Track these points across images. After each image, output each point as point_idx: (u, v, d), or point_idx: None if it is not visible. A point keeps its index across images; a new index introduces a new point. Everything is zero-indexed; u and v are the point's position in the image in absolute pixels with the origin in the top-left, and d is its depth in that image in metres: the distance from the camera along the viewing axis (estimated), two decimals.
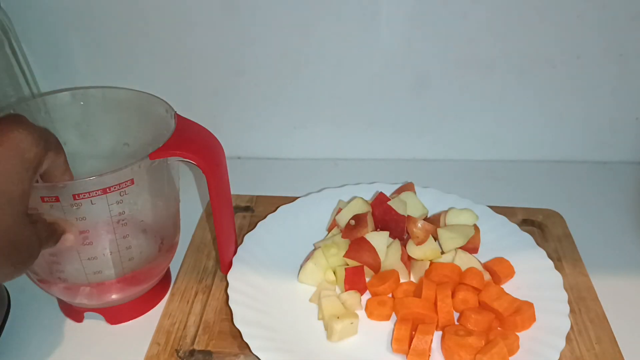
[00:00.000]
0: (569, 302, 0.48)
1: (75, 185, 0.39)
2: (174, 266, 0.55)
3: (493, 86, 0.66)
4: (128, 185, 0.42)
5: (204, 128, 0.47)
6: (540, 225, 0.59)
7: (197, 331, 0.48)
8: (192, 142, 0.44)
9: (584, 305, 0.50)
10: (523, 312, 0.47)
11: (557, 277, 0.50)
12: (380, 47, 0.64)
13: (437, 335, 0.47)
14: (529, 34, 0.62)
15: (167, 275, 0.54)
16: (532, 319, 0.47)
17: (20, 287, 0.52)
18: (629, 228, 0.60)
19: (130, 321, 0.50)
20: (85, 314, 0.50)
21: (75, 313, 0.50)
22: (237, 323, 0.46)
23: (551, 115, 0.68)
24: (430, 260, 0.52)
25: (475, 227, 0.55)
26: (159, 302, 0.52)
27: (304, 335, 0.47)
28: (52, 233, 0.40)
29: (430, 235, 0.53)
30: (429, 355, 0.45)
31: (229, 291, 0.49)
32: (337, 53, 0.65)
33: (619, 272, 0.54)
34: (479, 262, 0.52)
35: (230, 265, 0.52)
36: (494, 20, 0.62)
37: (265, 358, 0.43)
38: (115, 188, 0.41)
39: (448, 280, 0.50)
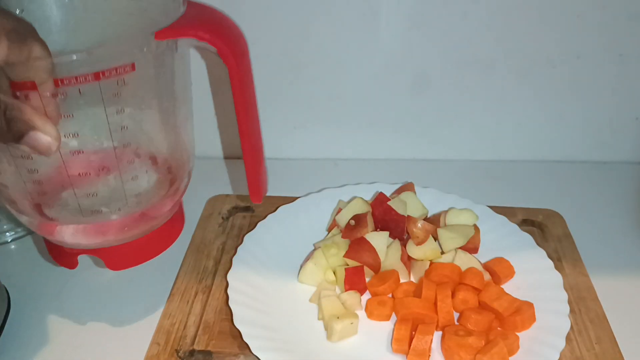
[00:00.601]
0: (569, 302, 0.48)
1: (57, 64, 0.31)
2: (174, 264, 0.55)
3: (493, 86, 0.66)
4: (127, 72, 0.33)
5: (223, 14, 0.39)
6: (540, 226, 0.59)
7: (197, 331, 0.48)
8: (209, 22, 0.35)
9: (584, 305, 0.50)
10: (523, 312, 0.47)
11: (557, 277, 0.50)
12: (380, 47, 0.64)
13: (437, 335, 0.47)
14: (529, 34, 0.62)
15: (179, 212, 0.46)
16: (532, 319, 0.47)
17: (20, 287, 0.52)
18: (629, 228, 0.60)
19: (131, 268, 0.45)
20: (80, 257, 0.43)
21: (67, 256, 0.42)
22: (237, 323, 0.46)
23: (551, 115, 0.68)
24: (430, 261, 0.52)
25: (475, 227, 0.55)
26: (170, 245, 0.45)
27: (304, 335, 0.47)
28: (13, 125, 0.30)
29: (430, 235, 0.53)
30: (429, 355, 0.45)
31: (228, 291, 0.49)
32: (337, 53, 0.65)
33: (619, 272, 0.54)
34: (479, 262, 0.52)
35: (260, 190, 0.43)
36: (494, 20, 0.62)
37: (265, 358, 0.43)
38: (111, 73, 0.32)
39: (448, 280, 0.50)
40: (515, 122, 0.69)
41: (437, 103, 0.68)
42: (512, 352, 0.44)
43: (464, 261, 0.51)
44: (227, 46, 0.34)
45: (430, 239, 0.53)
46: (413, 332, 0.46)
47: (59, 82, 0.31)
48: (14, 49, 0.29)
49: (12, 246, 0.59)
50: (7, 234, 0.59)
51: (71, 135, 0.34)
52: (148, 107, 0.36)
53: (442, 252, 0.53)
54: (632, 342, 0.47)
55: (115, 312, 0.51)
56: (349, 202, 0.57)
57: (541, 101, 0.67)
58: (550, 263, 0.52)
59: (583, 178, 0.69)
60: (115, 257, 0.42)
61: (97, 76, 0.31)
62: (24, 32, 0.30)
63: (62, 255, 0.42)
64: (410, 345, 0.45)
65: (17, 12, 0.39)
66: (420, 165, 0.71)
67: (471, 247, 0.54)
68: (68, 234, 0.39)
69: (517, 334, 0.46)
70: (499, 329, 0.47)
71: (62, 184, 0.36)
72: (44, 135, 0.30)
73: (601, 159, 0.71)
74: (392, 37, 0.63)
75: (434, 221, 0.55)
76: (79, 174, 0.35)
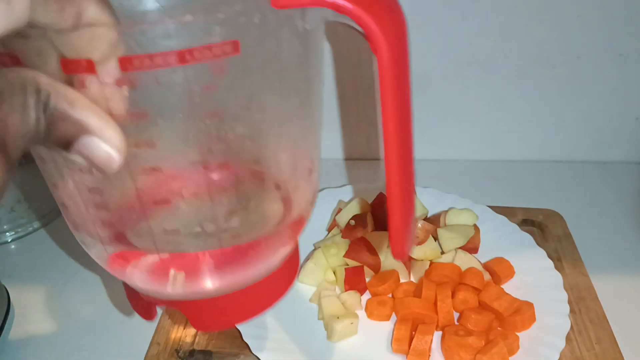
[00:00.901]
0: (569, 302, 0.48)
1: (127, 37, 0.21)
2: None
3: (493, 86, 0.66)
4: (227, 54, 0.22)
5: None
6: (540, 225, 0.59)
7: (197, 331, 0.48)
8: None
9: (584, 305, 0.50)
10: (523, 312, 0.47)
11: (557, 277, 0.50)
12: None
13: (437, 335, 0.47)
14: (529, 34, 0.62)
15: (293, 257, 0.33)
16: (532, 319, 0.47)
17: (20, 287, 0.52)
18: (628, 228, 0.60)
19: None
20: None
21: (143, 304, 0.32)
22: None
23: (551, 115, 0.68)
24: (430, 261, 0.52)
25: (475, 227, 0.55)
26: (277, 299, 0.33)
27: (304, 335, 0.47)
28: (55, 127, 0.19)
29: (430, 235, 0.53)
30: (429, 355, 0.45)
31: None
32: (337, 52, 0.64)
33: (619, 272, 0.54)
34: (479, 262, 0.52)
35: (406, 242, 0.28)
36: (493, 20, 0.61)
37: (265, 358, 0.43)
38: (202, 54, 0.21)
39: (448, 280, 0.50)
40: (515, 122, 0.69)
41: (436, 103, 0.68)
42: (512, 352, 0.44)
43: (464, 261, 0.51)
44: (381, 25, 0.23)
45: (430, 239, 0.53)
46: (413, 332, 0.46)
47: (128, 62, 0.21)
48: (48, 5, 0.19)
49: (12, 246, 0.59)
50: (7, 234, 0.59)
51: (145, 145, 0.23)
52: (258, 109, 0.25)
53: (442, 252, 0.53)
54: (632, 342, 0.47)
55: (115, 312, 0.51)
56: (349, 202, 0.57)
57: (541, 101, 0.67)
58: (550, 263, 0.52)
59: (583, 178, 0.69)
60: (204, 315, 0.30)
61: (182, 57, 0.20)
62: None
63: (137, 299, 0.32)
64: (410, 345, 0.45)
65: None
66: (420, 165, 0.70)
67: (471, 247, 0.54)
68: (140, 278, 0.29)
69: (517, 334, 0.46)
70: (499, 329, 0.47)
71: (134, 213, 0.26)
72: (102, 143, 0.20)
73: (601, 159, 0.71)
74: None
75: (434, 221, 0.55)
76: (156, 201, 0.25)
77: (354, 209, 0.55)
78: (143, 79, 0.22)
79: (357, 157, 0.73)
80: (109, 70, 0.21)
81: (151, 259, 0.27)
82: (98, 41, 0.21)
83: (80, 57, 0.20)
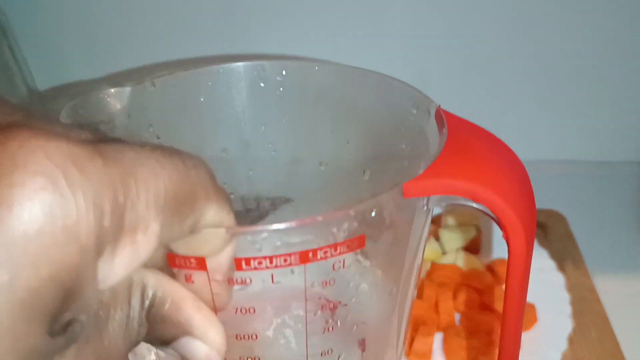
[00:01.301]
0: (571, 303, 0.48)
1: (247, 237, 0.19)
2: None
3: (494, 86, 0.66)
4: (352, 249, 0.20)
5: (501, 142, 0.26)
6: (542, 226, 0.59)
7: None
8: (488, 166, 0.23)
9: (586, 307, 0.49)
10: (525, 313, 0.46)
11: (559, 278, 0.50)
12: (381, 46, 0.63)
13: (438, 336, 0.47)
14: (531, 34, 0.62)
15: None
16: (534, 320, 0.47)
17: None
18: (631, 229, 0.60)
19: None
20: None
21: None
22: None
23: (554, 115, 0.68)
24: (432, 261, 0.52)
25: (477, 228, 0.54)
26: None
27: None
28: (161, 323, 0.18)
29: (432, 236, 0.53)
30: (430, 356, 0.44)
31: None
32: (338, 53, 0.64)
33: (622, 273, 0.54)
34: (481, 262, 0.52)
35: None
36: (495, 20, 0.61)
37: None
38: (327, 253, 0.19)
39: (449, 281, 0.49)
40: (517, 121, 0.69)
41: (437, 102, 0.68)
42: None
43: (466, 262, 0.51)
44: (519, 215, 0.22)
45: (432, 239, 0.52)
46: (414, 334, 0.45)
47: (245, 263, 0.19)
48: (171, 224, 0.16)
49: None
50: None
51: (247, 337, 0.22)
52: (368, 296, 0.23)
53: (444, 253, 0.53)
54: (634, 344, 0.46)
55: None
56: None
57: (543, 101, 0.67)
58: (552, 264, 0.51)
59: (585, 178, 0.68)
60: None
61: (304, 257, 0.18)
62: (190, 194, 0.17)
63: None
64: (411, 347, 0.45)
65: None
66: None
67: (473, 248, 0.53)
68: None
69: None
70: (500, 330, 0.47)
71: None
72: (202, 345, 0.18)
73: (604, 159, 0.71)
74: (393, 37, 0.63)
75: (436, 221, 0.55)
76: None
77: None
78: (257, 277, 0.20)
79: None
80: (221, 268, 0.20)
81: None
82: (210, 240, 0.19)
83: (189, 255, 0.19)
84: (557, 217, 0.60)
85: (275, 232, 0.18)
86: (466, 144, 0.24)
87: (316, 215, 0.18)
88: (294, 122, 0.27)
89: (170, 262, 0.19)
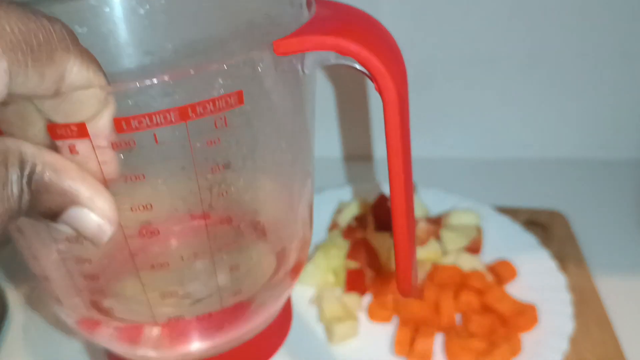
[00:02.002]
0: (573, 304, 0.47)
1: (123, 95, 0.19)
2: None
3: (496, 84, 0.66)
4: (231, 106, 0.20)
5: (369, 15, 0.27)
6: (543, 226, 0.59)
7: None
8: (355, 26, 0.24)
9: (587, 307, 0.49)
10: (526, 314, 0.46)
11: (560, 279, 0.50)
12: None
13: (439, 337, 0.47)
14: (533, 32, 0.62)
15: (286, 311, 0.32)
16: (535, 320, 0.46)
17: (19, 288, 0.52)
18: (633, 229, 0.59)
19: None
20: None
21: None
22: None
23: (555, 113, 0.68)
24: (432, 262, 0.52)
25: (478, 228, 0.54)
26: (273, 353, 0.33)
27: (304, 337, 0.47)
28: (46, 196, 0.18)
29: (432, 236, 0.52)
30: (431, 357, 0.44)
31: None
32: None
33: (623, 273, 0.54)
34: (482, 263, 0.52)
35: (410, 284, 0.30)
36: (496, 18, 0.61)
37: None
38: (205, 108, 0.20)
39: (450, 281, 0.49)
40: (518, 120, 0.69)
41: (439, 101, 0.68)
42: (514, 354, 0.44)
43: (467, 262, 0.51)
44: (387, 66, 0.23)
45: (432, 239, 0.52)
46: (415, 334, 0.45)
47: (125, 123, 0.19)
48: (29, 72, 0.17)
49: (10, 247, 0.59)
50: None
51: (142, 208, 0.22)
52: (260, 158, 0.24)
53: (444, 253, 0.53)
54: (636, 345, 0.46)
55: None
56: (349, 202, 0.57)
57: (545, 99, 0.67)
58: (554, 264, 0.51)
59: (587, 178, 0.68)
60: None
61: (184, 113, 0.19)
62: (44, 41, 0.17)
63: None
64: (412, 348, 0.44)
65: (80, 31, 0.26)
66: (422, 164, 0.70)
67: (474, 248, 0.53)
68: (130, 347, 0.27)
69: (520, 335, 0.46)
70: (501, 330, 0.47)
71: (128, 280, 0.25)
72: (92, 214, 0.19)
73: (606, 158, 0.71)
74: (394, 35, 0.63)
75: (436, 222, 0.55)
76: (153, 265, 0.23)
77: (354, 209, 0.55)
78: (141, 139, 0.20)
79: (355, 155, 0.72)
80: (102, 133, 0.20)
81: (148, 327, 0.25)
82: (86, 103, 0.19)
83: (69, 122, 0.19)
84: (558, 218, 0.60)
85: (150, 87, 0.18)
86: (336, 12, 0.25)
87: (189, 68, 0.19)
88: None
89: (52, 134, 0.19)
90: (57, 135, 0.19)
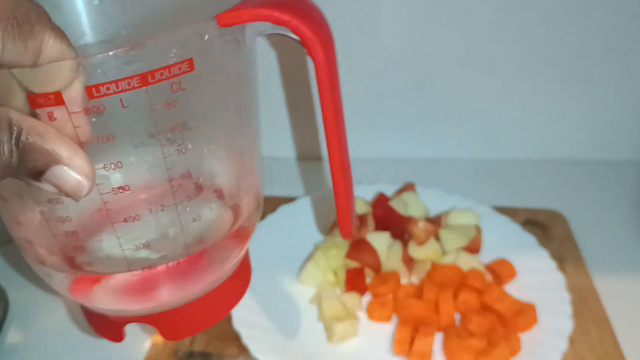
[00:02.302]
0: (571, 304, 0.48)
1: (92, 66, 0.22)
2: None
3: (495, 85, 0.66)
4: (184, 72, 0.24)
5: None
6: (542, 226, 0.59)
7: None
8: (286, 1, 0.27)
9: (586, 307, 0.49)
10: (525, 314, 0.46)
11: (559, 278, 0.50)
12: (381, 45, 0.63)
13: (438, 336, 0.47)
14: (532, 33, 0.62)
15: (245, 263, 0.36)
16: (534, 320, 0.47)
17: (19, 287, 0.52)
18: (632, 229, 0.60)
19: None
20: (128, 328, 0.34)
21: (112, 328, 0.33)
22: (236, 325, 0.46)
23: (554, 114, 0.68)
24: (432, 261, 0.52)
25: (477, 228, 0.54)
26: (236, 303, 0.35)
27: (304, 336, 0.47)
28: (31, 157, 0.21)
29: (432, 236, 0.53)
30: (431, 356, 0.44)
31: None
32: (338, 51, 0.64)
33: (622, 273, 0.54)
34: (481, 263, 0.52)
35: (350, 222, 0.34)
36: (495, 19, 0.61)
37: None
38: (162, 74, 0.23)
39: (449, 281, 0.49)
40: (517, 121, 0.69)
41: (438, 102, 0.68)
42: (514, 353, 0.44)
43: (466, 262, 0.51)
44: (314, 32, 0.26)
45: (432, 239, 0.52)
46: (414, 334, 0.45)
47: (95, 90, 0.22)
48: (15, 41, 0.20)
49: (11, 246, 0.59)
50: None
51: (113, 167, 0.25)
52: (212, 120, 0.27)
53: (444, 253, 0.53)
54: (635, 344, 0.46)
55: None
56: None
57: (544, 100, 0.67)
58: (553, 264, 0.51)
59: (585, 178, 0.68)
60: (173, 324, 0.32)
61: (144, 79, 0.23)
62: (26, 16, 0.20)
63: (102, 324, 0.34)
64: (411, 347, 0.45)
65: None
66: (421, 165, 0.71)
67: (473, 248, 0.53)
68: (109, 299, 0.30)
69: (519, 335, 0.46)
70: (501, 330, 0.47)
71: (105, 234, 0.27)
72: (71, 171, 0.22)
73: (604, 159, 0.71)
74: (393, 36, 0.63)
75: (436, 221, 0.55)
76: (125, 218, 0.26)
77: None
78: (109, 104, 0.23)
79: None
80: (76, 100, 0.23)
81: (121, 277, 0.29)
82: (60, 73, 0.22)
83: (45, 91, 0.22)
84: (557, 217, 0.60)
85: (114, 57, 0.22)
86: None
87: (146, 39, 0.23)
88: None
89: (32, 103, 0.22)
90: (37, 104, 0.22)
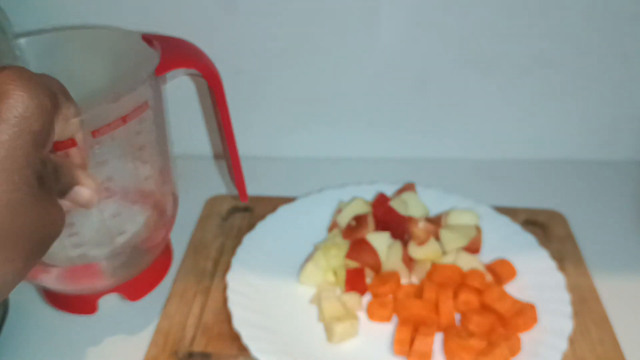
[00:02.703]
0: (572, 304, 0.48)
1: (95, 117, 0.33)
2: (173, 266, 0.54)
3: (495, 85, 0.66)
4: (144, 109, 0.36)
5: (189, 42, 0.44)
6: (542, 226, 0.59)
7: (195, 333, 0.48)
8: (193, 52, 0.41)
9: (586, 307, 0.49)
10: (525, 314, 0.46)
11: (559, 278, 0.50)
12: (381, 45, 0.63)
13: (438, 336, 0.47)
14: (531, 33, 0.62)
15: (167, 249, 0.51)
16: (534, 320, 0.47)
17: (19, 287, 0.52)
18: (631, 229, 0.60)
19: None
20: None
21: (86, 303, 0.45)
22: (236, 325, 0.46)
23: (554, 114, 0.68)
24: (432, 261, 0.52)
25: (477, 228, 0.54)
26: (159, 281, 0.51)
27: (304, 337, 0.47)
28: (60, 183, 0.30)
29: (432, 236, 0.52)
30: (431, 357, 0.44)
31: (228, 293, 0.49)
32: (338, 51, 0.64)
33: (622, 273, 0.54)
34: (481, 263, 0.52)
35: (245, 188, 0.51)
36: (495, 19, 0.61)
37: None
38: (135, 113, 0.36)
39: (449, 281, 0.49)
40: (517, 121, 0.69)
41: (437, 102, 0.68)
42: (514, 353, 0.44)
43: (466, 262, 0.51)
44: (213, 70, 0.41)
45: (432, 239, 0.52)
46: (414, 334, 0.45)
47: (97, 132, 0.34)
48: (63, 115, 0.29)
49: None
50: None
51: (105, 182, 0.37)
52: (158, 138, 0.40)
53: (444, 253, 0.53)
54: (635, 344, 0.46)
55: (114, 312, 0.50)
56: (349, 202, 0.57)
57: (543, 100, 0.67)
58: (553, 264, 0.51)
59: (586, 178, 0.68)
60: (135, 288, 0.48)
61: (124, 119, 0.35)
62: (65, 92, 0.29)
63: (72, 302, 0.46)
64: (411, 347, 0.45)
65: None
66: (421, 165, 0.71)
67: (473, 248, 0.53)
68: (54, 278, 0.42)
69: (519, 335, 0.46)
70: (501, 330, 0.47)
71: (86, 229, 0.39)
72: (86, 190, 0.31)
73: (604, 159, 0.71)
74: (393, 36, 0.63)
75: (436, 221, 0.55)
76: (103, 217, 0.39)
77: (354, 209, 0.55)
78: (105, 139, 0.35)
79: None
80: (80, 140, 0.33)
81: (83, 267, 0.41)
82: (72, 126, 0.31)
83: (62, 139, 0.31)
84: (557, 218, 0.60)
85: (106, 108, 0.35)
86: (175, 44, 0.42)
87: (121, 94, 0.35)
88: None
89: (56, 148, 0.32)
90: (60, 148, 0.33)
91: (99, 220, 0.38)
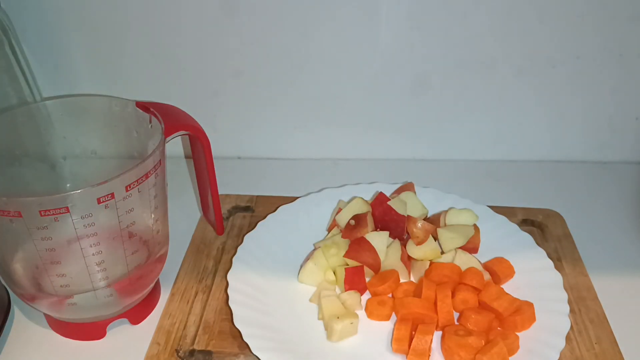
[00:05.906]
0: (569, 302, 0.48)
1: (130, 175, 0.40)
2: (174, 265, 0.55)
3: (493, 86, 0.66)
4: (159, 166, 0.43)
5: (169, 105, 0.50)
6: (540, 225, 0.59)
7: (197, 331, 0.48)
8: (184, 117, 0.49)
9: (583, 305, 0.50)
10: (523, 312, 0.47)
11: (557, 277, 0.50)
12: (380, 46, 0.64)
13: (437, 335, 0.47)
14: (529, 34, 0.62)
15: (157, 285, 0.54)
16: (532, 318, 0.47)
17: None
18: (628, 228, 0.60)
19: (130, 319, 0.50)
20: (129, 328, 0.49)
21: (96, 330, 0.48)
22: (237, 323, 0.46)
23: (551, 115, 0.68)
24: (430, 260, 0.52)
25: (475, 227, 0.55)
26: (151, 311, 0.52)
27: (304, 335, 0.47)
28: None
29: (430, 235, 0.53)
30: (429, 355, 0.45)
31: (229, 291, 0.49)
32: (337, 53, 0.65)
33: (619, 272, 0.54)
34: (479, 262, 0.52)
35: (222, 225, 0.57)
36: (494, 20, 0.61)
37: (265, 358, 0.43)
38: (154, 169, 0.43)
39: (448, 280, 0.50)
40: (515, 122, 0.69)
41: (437, 103, 0.68)
42: (512, 352, 0.44)
43: (464, 261, 0.51)
44: (202, 132, 0.49)
45: (430, 238, 0.53)
46: (413, 332, 0.46)
47: (127, 187, 0.41)
48: None
49: None
50: None
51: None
52: (162, 188, 0.46)
53: (442, 252, 0.53)
54: (632, 342, 0.47)
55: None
56: (348, 202, 0.57)
57: (541, 101, 0.67)
58: (550, 263, 0.52)
59: (583, 178, 0.69)
60: (138, 313, 0.50)
61: (147, 175, 0.42)
62: None
63: (79, 330, 0.48)
64: (410, 345, 0.45)
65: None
66: (420, 165, 0.71)
67: (471, 247, 0.54)
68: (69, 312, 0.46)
69: (517, 333, 0.46)
70: (499, 329, 0.47)
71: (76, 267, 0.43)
72: None
73: (601, 159, 0.71)
74: (392, 37, 0.63)
75: (434, 221, 0.55)
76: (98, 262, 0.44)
77: (354, 208, 0.55)
78: (133, 192, 0.42)
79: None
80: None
81: (80, 296, 0.45)
82: None
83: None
84: (554, 217, 0.60)
85: (140, 168, 0.41)
86: (170, 111, 0.48)
87: (146, 158, 0.42)
88: None
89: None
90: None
91: (122, 257, 0.44)
